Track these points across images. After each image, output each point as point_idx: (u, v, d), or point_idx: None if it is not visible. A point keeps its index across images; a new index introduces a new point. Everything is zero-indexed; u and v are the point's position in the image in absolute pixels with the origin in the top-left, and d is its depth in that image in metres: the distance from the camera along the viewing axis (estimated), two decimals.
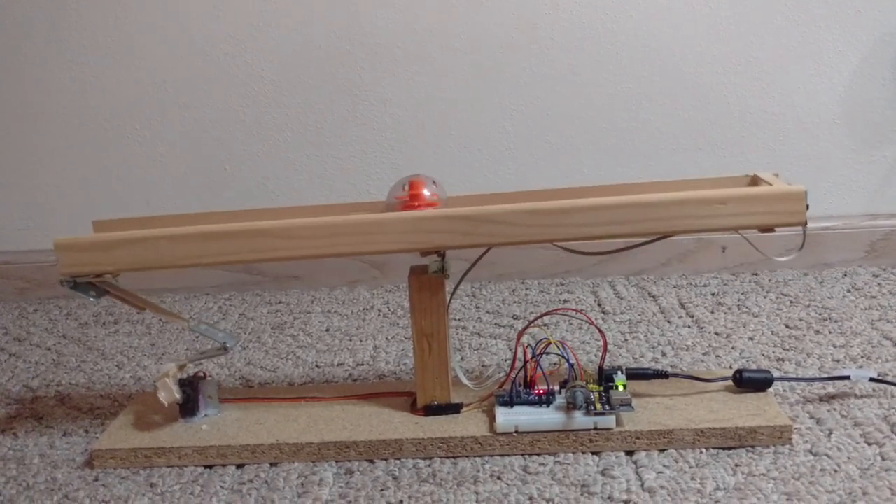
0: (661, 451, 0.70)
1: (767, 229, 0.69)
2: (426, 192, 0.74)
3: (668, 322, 1.01)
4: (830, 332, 0.95)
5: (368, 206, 0.79)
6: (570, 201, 0.68)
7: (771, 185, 0.71)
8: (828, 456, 0.68)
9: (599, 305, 1.09)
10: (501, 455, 0.72)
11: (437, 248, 0.71)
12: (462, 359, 0.94)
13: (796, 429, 0.72)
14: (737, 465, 0.68)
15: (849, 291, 1.08)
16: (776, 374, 0.81)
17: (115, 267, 0.72)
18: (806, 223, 0.67)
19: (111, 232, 0.75)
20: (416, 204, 0.73)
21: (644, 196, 0.68)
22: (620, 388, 0.74)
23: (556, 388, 0.75)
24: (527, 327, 0.83)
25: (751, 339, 0.94)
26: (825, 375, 0.83)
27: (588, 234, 0.68)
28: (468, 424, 0.73)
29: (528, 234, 0.69)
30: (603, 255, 0.79)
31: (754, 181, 0.75)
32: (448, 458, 0.72)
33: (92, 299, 0.75)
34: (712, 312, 1.03)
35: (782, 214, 0.67)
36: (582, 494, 0.65)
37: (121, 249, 0.71)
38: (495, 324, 1.04)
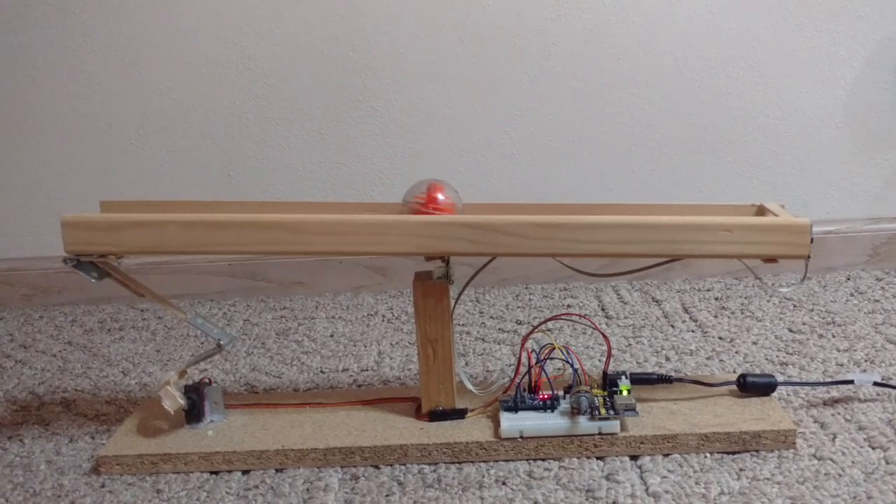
0: (666, 455, 0.71)
1: (770, 259, 0.70)
2: (441, 197, 0.74)
3: (672, 327, 1.01)
4: (834, 337, 0.95)
5: (379, 206, 0.79)
6: (578, 217, 0.69)
7: (777, 216, 0.71)
8: (832, 460, 0.68)
9: (603, 310, 1.09)
10: (506, 460, 0.72)
11: (444, 253, 0.71)
12: (466, 364, 0.94)
13: (800, 433, 0.72)
14: (741, 470, 0.68)
15: (852, 295, 1.08)
16: (780, 378, 0.81)
17: (122, 249, 0.71)
18: (809, 257, 0.68)
19: (119, 213, 0.74)
20: (432, 208, 0.73)
21: (651, 217, 0.69)
22: (625, 392, 0.74)
23: (561, 393, 0.75)
24: (531, 332, 0.83)
25: (754, 343, 0.94)
26: (829, 380, 0.83)
27: (593, 251, 0.69)
28: (473, 430, 0.74)
29: (534, 247, 0.69)
30: (605, 277, 0.80)
31: (760, 211, 0.75)
32: (453, 463, 0.72)
33: (93, 280, 0.73)
34: (716, 317, 1.04)
35: (786, 246, 0.68)
36: (587, 499, 0.65)
37: (129, 231, 0.70)
38: (499, 329, 1.05)
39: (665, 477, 0.68)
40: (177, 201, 0.78)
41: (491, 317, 1.09)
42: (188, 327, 1.11)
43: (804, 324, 0.99)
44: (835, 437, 0.72)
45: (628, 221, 0.68)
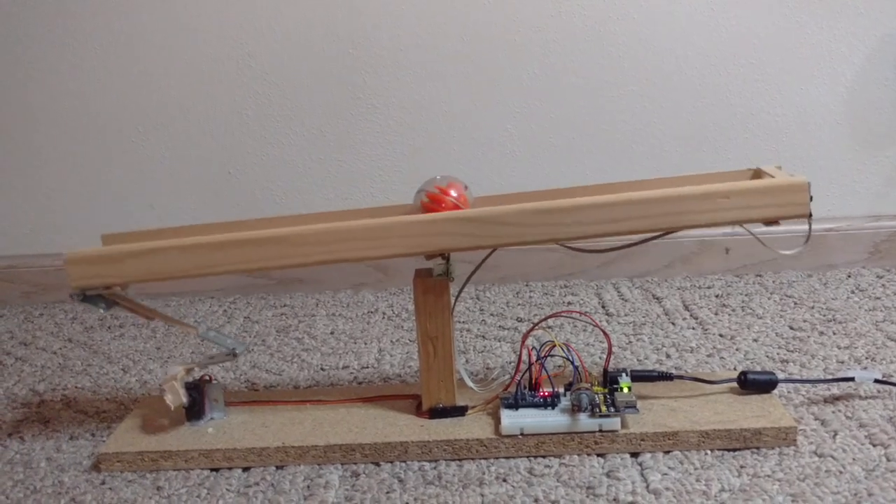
0: (667, 452, 0.71)
1: (772, 222, 0.69)
2: (455, 194, 0.74)
3: (673, 324, 1.01)
4: (835, 334, 0.95)
5: (366, 212, 0.79)
6: (575, 200, 0.68)
7: (774, 177, 0.71)
8: (833, 457, 0.68)
9: (603, 307, 1.09)
10: (507, 457, 0.72)
11: (445, 250, 0.71)
12: (467, 361, 0.94)
13: (801, 430, 0.72)
14: (742, 467, 0.68)
15: (853, 293, 1.08)
16: (781, 375, 0.81)
17: (125, 279, 0.72)
18: (811, 215, 0.67)
19: (120, 244, 0.75)
20: (442, 206, 0.73)
21: (648, 192, 0.68)
22: (625, 390, 0.74)
23: (561, 390, 0.75)
24: (531, 329, 0.83)
25: (755, 340, 0.94)
26: (830, 377, 0.83)
27: (593, 232, 0.68)
28: (473, 427, 0.74)
29: (533, 235, 0.69)
30: (609, 252, 0.79)
31: (757, 174, 0.75)
32: (453, 460, 0.72)
33: (102, 311, 0.75)
34: (716, 314, 1.04)
35: (786, 206, 0.67)
36: (587, 496, 0.65)
37: (130, 261, 0.71)
38: (499, 326, 1.05)
39: (666, 474, 0.68)
40: (175, 228, 0.79)
41: (491, 314, 1.09)
42: None
43: (805, 321, 0.99)
44: (835, 435, 0.72)
45: (627, 199, 0.68)
